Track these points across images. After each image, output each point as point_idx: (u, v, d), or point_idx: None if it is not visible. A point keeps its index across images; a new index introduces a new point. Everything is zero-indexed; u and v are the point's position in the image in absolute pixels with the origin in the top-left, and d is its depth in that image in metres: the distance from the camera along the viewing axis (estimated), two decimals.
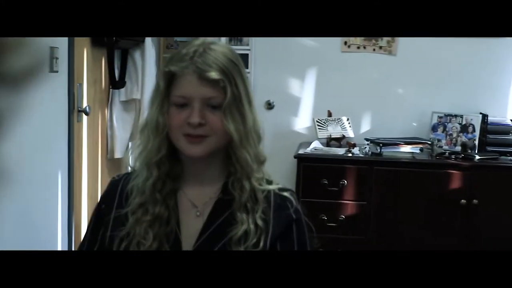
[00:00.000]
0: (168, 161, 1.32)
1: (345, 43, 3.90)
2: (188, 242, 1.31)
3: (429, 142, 3.65)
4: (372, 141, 3.62)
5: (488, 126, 3.61)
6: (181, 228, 1.32)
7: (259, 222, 1.29)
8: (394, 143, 3.58)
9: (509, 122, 3.70)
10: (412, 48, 3.86)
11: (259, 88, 3.95)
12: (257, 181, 1.32)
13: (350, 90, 3.95)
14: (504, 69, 3.84)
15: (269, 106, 3.97)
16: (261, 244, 1.28)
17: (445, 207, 3.36)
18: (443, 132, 3.72)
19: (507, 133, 3.63)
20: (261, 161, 1.34)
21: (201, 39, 1.31)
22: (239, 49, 3.87)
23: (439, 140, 3.70)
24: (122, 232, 1.31)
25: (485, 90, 3.85)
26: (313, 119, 3.84)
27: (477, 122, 3.62)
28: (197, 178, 1.35)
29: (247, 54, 3.91)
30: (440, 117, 3.73)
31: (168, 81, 1.28)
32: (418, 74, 3.89)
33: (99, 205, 1.40)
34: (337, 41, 3.91)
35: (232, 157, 1.31)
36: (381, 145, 3.54)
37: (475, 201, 3.32)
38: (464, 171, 3.38)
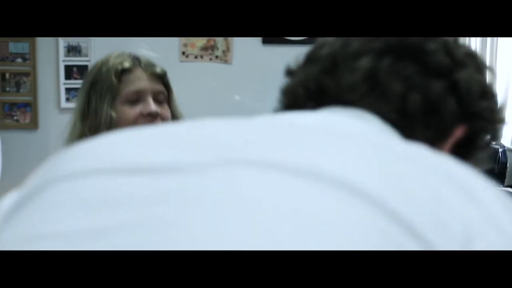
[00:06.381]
0: None
1: (183, 53, 4.04)
2: None
3: None
4: None
5: None
6: None
7: None
8: None
9: None
10: (246, 56, 4.12)
11: None
12: None
13: (190, 98, 4.05)
14: None
15: None
16: None
17: None
18: None
19: None
20: None
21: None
22: (78, 60, 3.81)
23: None
24: None
25: None
26: None
27: None
28: None
29: (87, 66, 3.85)
30: None
31: (118, 78, 1.34)
32: (253, 80, 4.16)
33: None
34: (175, 51, 4.04)
35: None
36: None
37: None
38: None
